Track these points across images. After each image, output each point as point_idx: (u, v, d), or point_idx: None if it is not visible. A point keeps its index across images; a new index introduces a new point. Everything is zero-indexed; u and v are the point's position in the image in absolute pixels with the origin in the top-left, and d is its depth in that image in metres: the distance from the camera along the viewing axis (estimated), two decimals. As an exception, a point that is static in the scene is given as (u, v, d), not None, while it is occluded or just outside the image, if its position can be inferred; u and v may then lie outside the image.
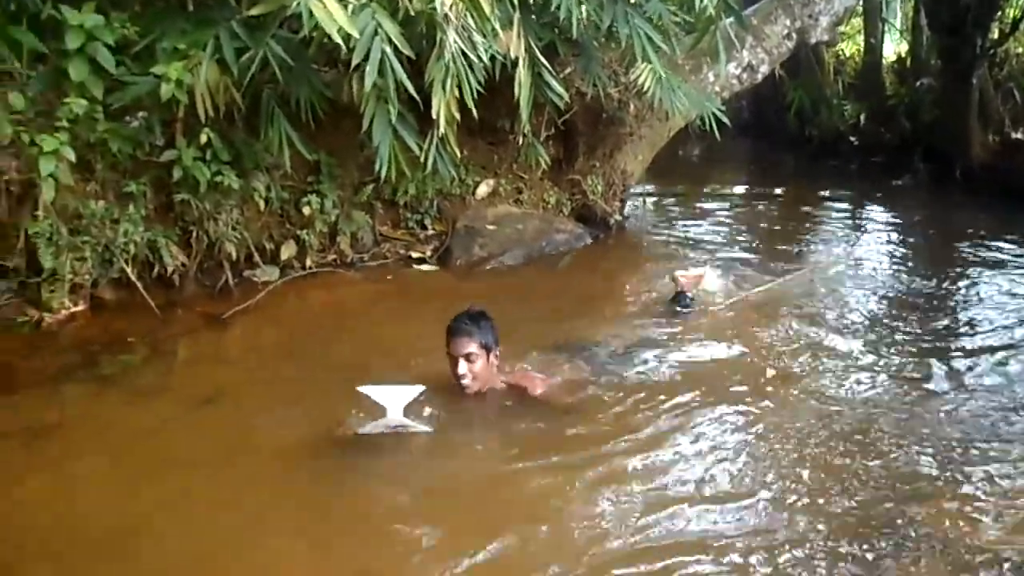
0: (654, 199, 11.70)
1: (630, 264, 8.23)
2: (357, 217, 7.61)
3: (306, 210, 7.18)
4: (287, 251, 7.28)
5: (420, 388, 4.37)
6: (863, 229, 10.16)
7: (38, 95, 6.01)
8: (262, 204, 6.97)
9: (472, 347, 4.45)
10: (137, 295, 6.44)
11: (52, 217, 6.04)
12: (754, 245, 8.96)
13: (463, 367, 4.45)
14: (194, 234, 6.73)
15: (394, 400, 4.24)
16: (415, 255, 7.86)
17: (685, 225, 9.95)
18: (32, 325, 6.08)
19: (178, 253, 6.70)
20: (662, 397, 4.95)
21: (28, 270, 6.15)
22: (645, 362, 5.49)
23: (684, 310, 6.34)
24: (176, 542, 3.72)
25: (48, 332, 6.05)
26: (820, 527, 3.74)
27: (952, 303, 6.96)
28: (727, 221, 10.40)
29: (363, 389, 4.30)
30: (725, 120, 8.16)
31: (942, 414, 4.83)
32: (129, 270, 6.39)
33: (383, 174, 6.47)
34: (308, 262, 7.39)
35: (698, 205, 11.41)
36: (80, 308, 6.33)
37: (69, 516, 3.96)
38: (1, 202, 6.02)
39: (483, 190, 8.41)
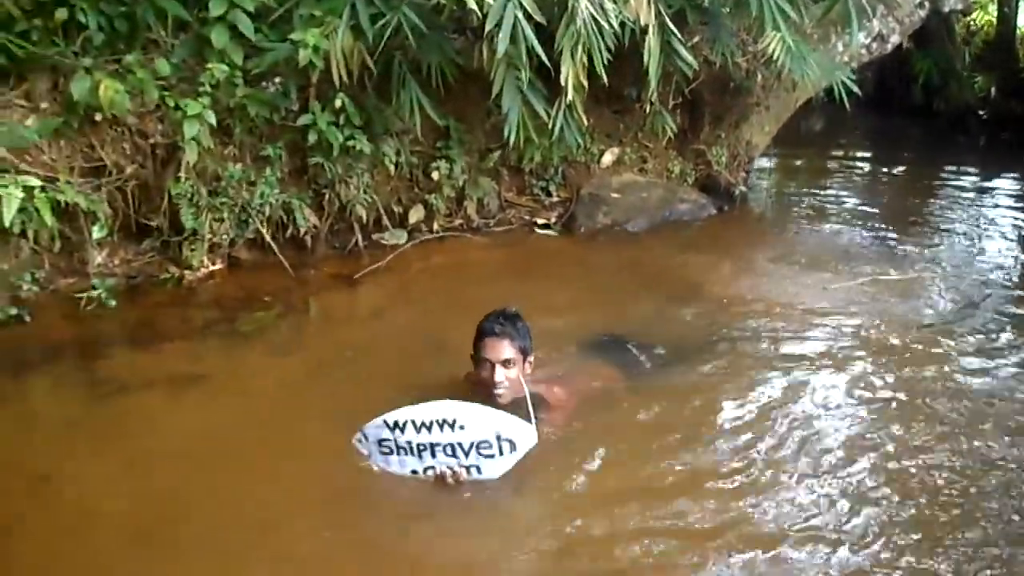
0: (777, 172, 11.40)
1: (751, 238, 8.04)
2: (483, 183, 7.60)
3: (435, 175, 7.19)
4: (415, 215, 7.32)
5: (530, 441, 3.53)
6: (989, 207, 9.67)
7: (182, 62, 6.17)
8: (392, 168, 6.99)
9: (511, 352, 3.92)
10: (271, 255, 6.59)
11: (193, 179, 6.18)
12: (877, 223, 8.57)
13: (500, 374, 3.89)
14: (326, 197, 6.81)
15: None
16: (539, 221, 7.83)
17: (808, 199, 9.66)
18: (174, 281, 6.29)
19: (311, 215, 6.80)
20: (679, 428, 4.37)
21: (170, 230, 6.33)
22: (685, 372, 4.94)
23: None
24: (305, 485, 3.83)
25: (189, 288, 6.25)
26: None
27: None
28: (850, 195, 10.05)
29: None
30: (855, 90, 7.88)
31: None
32: (264, 231, 6.52)
33: (511, 140, 6.46)
34: (435, 226, 7.42)
35: (821, 178, 11.06)
36: (218, 267, 6.52)
37: (208, 458, 4.11)
38: (147, 164, 6.20)
39: (608, 158, 8.30)
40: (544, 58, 5.74)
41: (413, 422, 3.39)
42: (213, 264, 6.48)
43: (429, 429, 3.40)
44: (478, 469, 3.48)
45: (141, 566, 3.36)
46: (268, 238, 6.53)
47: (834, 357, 5.23)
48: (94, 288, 5.90)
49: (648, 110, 7.95)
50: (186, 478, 3.92)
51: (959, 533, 3.58)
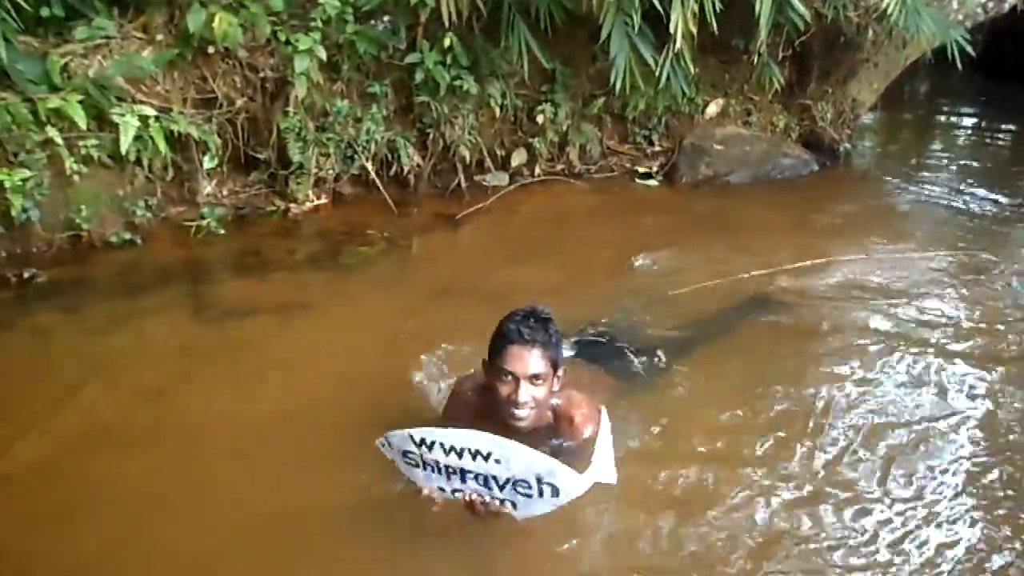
0: (881, 132, 11.01)
1: (851, 199, 7.74)
2: (586, 129, 7.49)
3: (539, 118, 7.10)
4: (518, 158, 7.26)
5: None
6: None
7: (293, -3, 6.16)
8: (497, 110, 6.92)
9: (542, 365, 2.95)
10: (374, 192, 6.59)
11: (301, 113, 6.18)
12: (978, 193, 8.09)
13: (525, 392, 2.93)
14: (430, 136, 6.78)
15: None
16: (641, 170, 7.70)
17: (911, 161, 9.28)
18: (280, 214, 6.36)
19: (414, 154, 6.78)
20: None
21: (278, 163, 6.38)
22: (680, 385, 4.14)
23: None
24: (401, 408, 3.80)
25: (294, 221, 6.31)
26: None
27: None
28: (953, 161, 9.59)
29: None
30: (969, 50, 7.55)
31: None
32: (369, 167, 6.51)
33: (616, 87, 6.35)
34: (537, 170, 7.35)
35: (924, 141, 10.66)
36: (323, 201, 6.55)
37: (313, 376, 4.17)
38: (256, 98, 6.22)
39: (712, 109, 8.11)
40: (655, 3, 5.57)
41: (442, 444, 2.73)
42: (318, 198, 6.51)
43: (460, 455, 2.74)
44: (513, 504, 2.77)
45: (239, 478, 3.40)
46: (372, 175, 6.51)
47: (903, 348, 4.60)
48: (203, 217, 5.99)
49: (756, 62, 7.70)
50: (287, 401, 3.95)
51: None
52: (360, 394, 3.96)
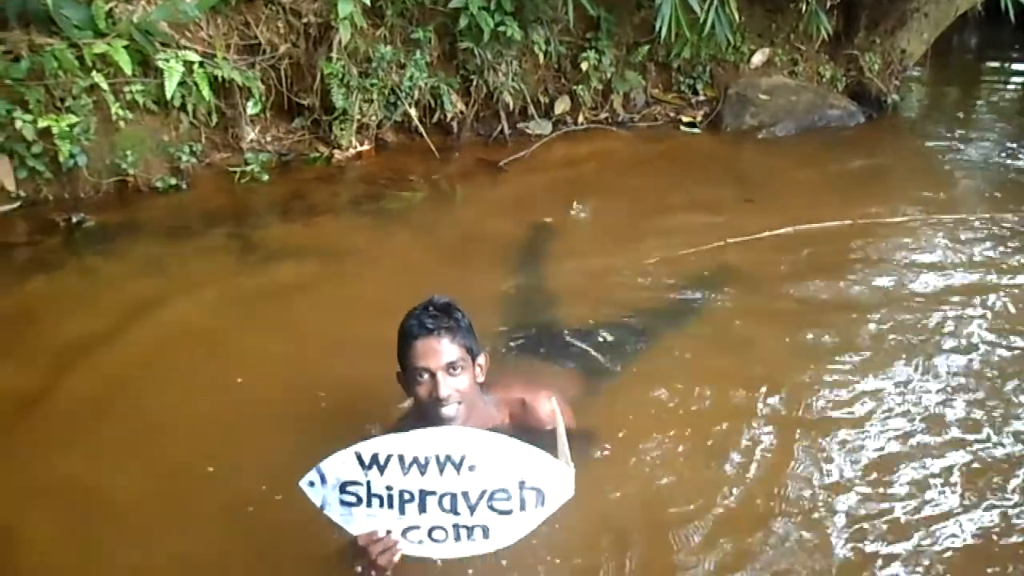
0: (929, 84, 10.73)
1: (896, 153, 7.52)
2: (630, 77, 7.34)
3: (583, 65, 6.96)
4: (561, 106, 7.15)
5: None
6: None
7: (337, -61, 6.04)
8: (541, 57, 6.80)
9: (455, 352, 2.59)
10: (417, 139, 6.54)
11: (344, 59, 6.11)
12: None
13: (446, 386, 2.55)
14: (474, 83, 6.69)
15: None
16: (685, 119, 7.54)
17: (958, 116, 9.02)
18: (324, 160, 6.33)
19: (457, 100, 6.71)
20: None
21: (321, 109, 6.32)
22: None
23: None
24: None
25: (337, 167, 6.27)
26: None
27: None
28: (1002, 115, 9.31)
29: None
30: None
31: None
32: (412, 113, 6.43)
33: (661, 34, 6.21)
34: (580, 118, 7.24)
35: (973, 96, 10.35)
36: (366, 147, 6.48)
37: (356, 318, 4.10)
38: (300, 43, 6.15)
39: (758, 58, 7.92)
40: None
41: (401, 458, 2.25)
42: (361, 144, 6.45)
43: (423, 469, 2.25)
44: (484, 532, 2.29)
45: (281, 425, 3.33)
46: (416, 121, 6.45)
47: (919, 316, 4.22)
48: (247, 163, 5.96)
49: (803, 10, 7.51)
50: (330, 342, 3.91)
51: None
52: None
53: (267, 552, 2.70)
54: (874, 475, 3.10)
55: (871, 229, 5.28)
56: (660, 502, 2.95)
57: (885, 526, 2.86)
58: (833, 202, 5.67)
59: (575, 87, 7.13)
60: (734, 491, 3.01)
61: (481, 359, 2.72)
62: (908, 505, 2.96)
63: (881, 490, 3.03)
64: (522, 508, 2.28)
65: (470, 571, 2.50)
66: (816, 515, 2.91)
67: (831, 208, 5.49)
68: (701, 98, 7.77)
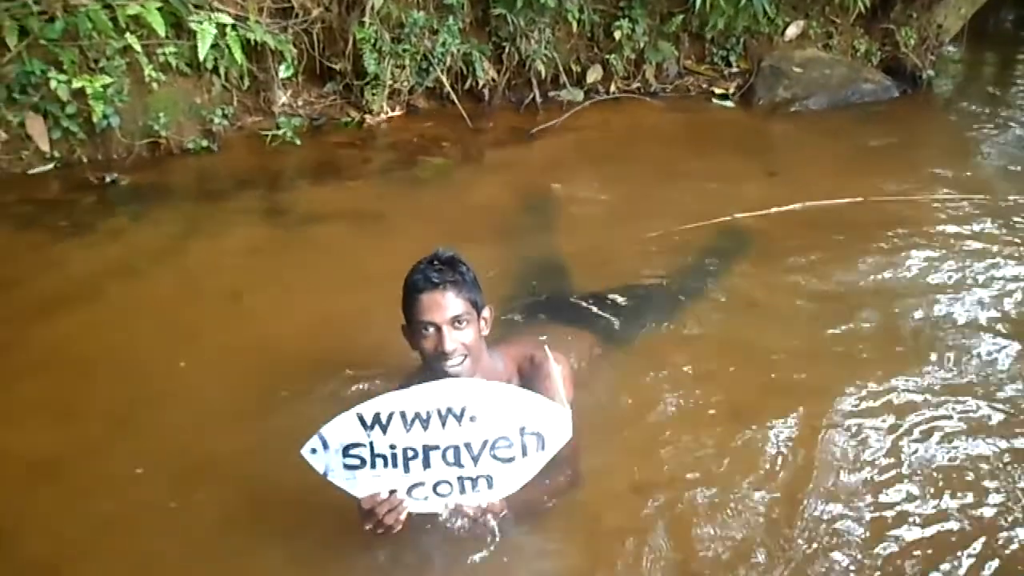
0: (965, 61, 10.56)
1: (929, 131, 7.38)
2: (664, 47, 7.25)
3: (616, 34, 6.88)
4: (593, 75, 7.09)
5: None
6: None
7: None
8: (574, 25, 6.75)
9: (460, 306, 2.55)
10: (448, 105, 6.52)
11: (377, 24, 6.09)
12: None
13: (451, 340, 2.51)
14: (506, 50, 6.65)
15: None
16: (717, 91, 7.44)
17: (994, 93, 8.85)
18: (355, 125, 6.32)
19: (489, 68, 6.67)
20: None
21: (353, 74, 6.31)
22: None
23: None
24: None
25: (368, 132, 6.26)
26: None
27: None
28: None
29: None
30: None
31: None
32: (444, 80, 6.41)
33: (696, 5, 6.13)
34: (612, 87, 7.17)
35: (1010, 74, 10.17)
36: (397, 113, 6.48)
37: (379, 284, 3.99)
38: (332, 7, 6.14)
39: (792, 31, 7.80)
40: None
41: (403, 414, 2.28)
42: (392, 110, 6.44)
43: (425, 424, 2.29)
44: (488, 482, 2.34)
45: (310, 385, 3.30)
46: (447, 87, 6.42)
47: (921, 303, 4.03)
48: (279, 127, 5.95)
49: (841, -20, 7.41)
50: (360, 304, 3.85)
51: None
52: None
53: (291, 510, 2.70)
54: (906, 449, 3.03)
55: (890, 207, 5.12)
56: (680, 467, 2.92)
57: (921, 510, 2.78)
58: (859, 178, 5.56)
59: (608, 56, 7.05)
60: (751, 461, 2.96)
61: (486, 312, 2.68)
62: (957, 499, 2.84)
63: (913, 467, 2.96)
64: (524, 454, 2.33)
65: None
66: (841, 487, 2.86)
67: (856, 184, 5.36)
68: (734, 70, 7.66)
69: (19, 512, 2.73)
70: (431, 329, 2.53)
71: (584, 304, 3.82)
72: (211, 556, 2.58)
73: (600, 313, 3.76)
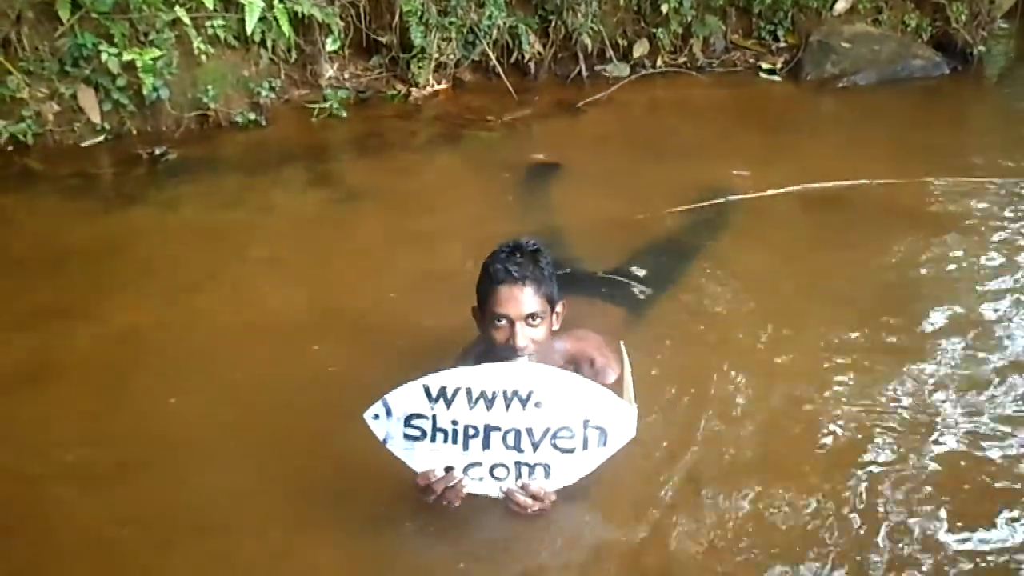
0: (1017, 37, 10.27)
1: (980, 109, 7.20)
2: (711, 21, 7.12)
3: (663, 8, 6.76)
4: (639, 49, 6.98)
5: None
6: None
7: None
8: (620, -1, 6.65)
9: (537, 303, 2.47)
10: (494, 79, 6.49)
11: (424, -4, 6.03)
12: None
13: (523, 335, 2.45)
14: (552, 24, 6.58)
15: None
16: (764, 66, 7.29)
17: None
18: (401, 98, 6.30)
19: (535, 42, 6.60)
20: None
21: (399, 47, 6.27)
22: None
23: None
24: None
25: (415, 105, 6.23)
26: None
27: None
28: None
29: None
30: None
31: None
32: (490, 53, 6.36)
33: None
34: (659, 62, 7.06)
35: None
36: (443, 86, 6.43)
37: (427, 256, 4.06)
38: (379, -21, 6.09)
39: (841, 5, 7.63)
40: None
41: (469, 391, 2.24)
42: (439, 83, 6.39)
43: (490, 404, 2.25)
44: (546, 471, 2.29)
45: (360, 356, 3.26)
46: (494, 61, 6.37)
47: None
48: (325, 99, 5.94)
49: (890, -44, 7.23)
50: (410, 276, 3.84)
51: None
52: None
53: (345, 478, 2.67)
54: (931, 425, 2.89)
55: (938, 188, 4.84)
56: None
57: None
58: (900, 156, 5.38)
59: (654, 30, 6.95)
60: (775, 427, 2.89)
61: (559, 307, 2.61)
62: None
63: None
64: (584, 447, 2.28)
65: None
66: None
67: (902, 164, 5.11)
68: (781, 45, 7.51)
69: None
70: (504, 321, 2.48)
71: (611, 278, 3.76)
72: (261, 517, 2.55)
73: (625, 282, 3.72)
